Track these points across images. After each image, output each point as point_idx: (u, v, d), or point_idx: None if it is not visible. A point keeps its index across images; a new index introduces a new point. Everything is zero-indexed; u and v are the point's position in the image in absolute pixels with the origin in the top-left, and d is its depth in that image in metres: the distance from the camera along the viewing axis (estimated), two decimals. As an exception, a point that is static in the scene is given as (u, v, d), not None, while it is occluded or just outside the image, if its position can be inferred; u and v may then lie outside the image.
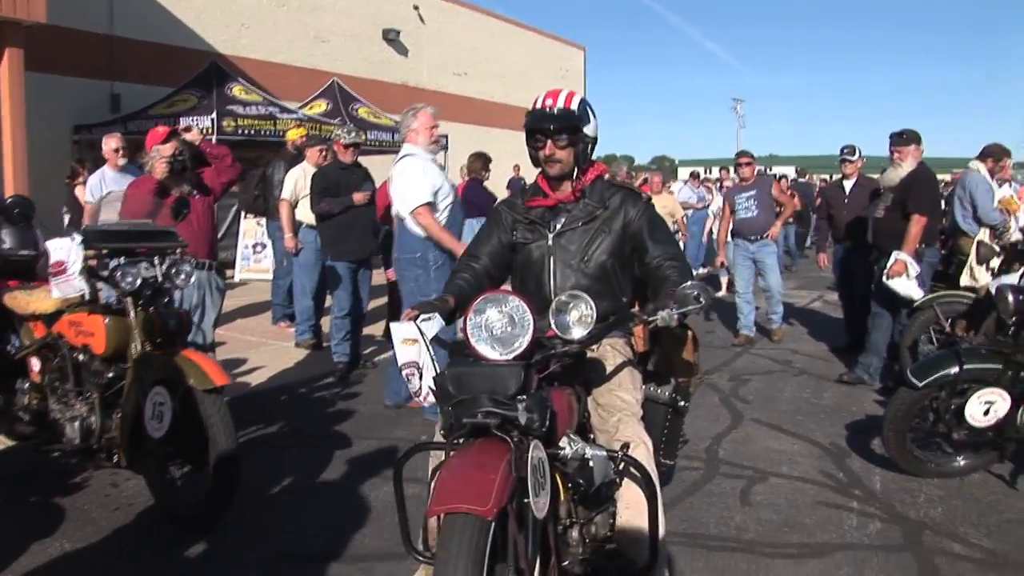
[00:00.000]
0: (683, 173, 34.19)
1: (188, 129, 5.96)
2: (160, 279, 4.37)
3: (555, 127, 3.14)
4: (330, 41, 18.99)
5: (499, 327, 2.54)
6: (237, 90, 14.00)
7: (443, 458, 2.50)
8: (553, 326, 2.61)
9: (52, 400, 4.74)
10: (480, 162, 10.04)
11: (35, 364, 4.92)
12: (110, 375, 4.41)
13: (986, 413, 4.57)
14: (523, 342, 2.51)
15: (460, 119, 21.47)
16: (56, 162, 11.55)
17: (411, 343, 2.73)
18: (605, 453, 2.73)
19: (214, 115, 12.86)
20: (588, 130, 3.21)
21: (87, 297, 4.63)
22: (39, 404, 4.86)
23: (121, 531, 4.18)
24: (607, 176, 3.39)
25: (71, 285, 4.42)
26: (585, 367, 3.12)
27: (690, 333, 3.59)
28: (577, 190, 3.26)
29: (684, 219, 12.35)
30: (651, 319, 2.72)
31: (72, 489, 4.73)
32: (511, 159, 19.77)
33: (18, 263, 5.39)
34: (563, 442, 2.70)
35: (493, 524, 2.22)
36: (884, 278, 6.56)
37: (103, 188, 7.15)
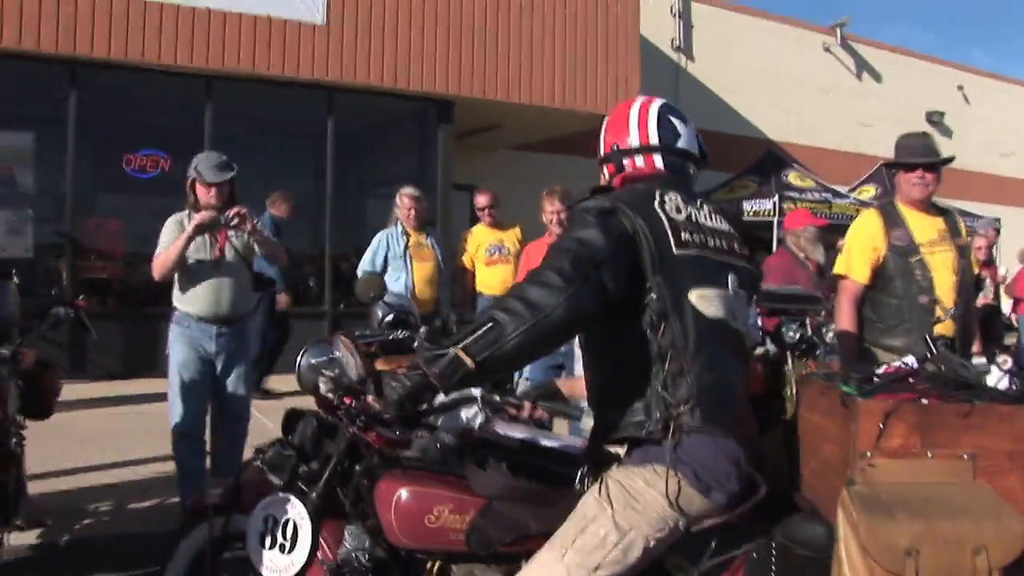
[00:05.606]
0: None
1: None
2: (811, 336, 5.40)
3: None
4: (874, 125, 19.47)
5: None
6: (792, 176, 15.21)
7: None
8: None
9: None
10: None
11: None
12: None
13: None
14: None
15: (1008, 201, 20.64)
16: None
17: None
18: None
19: (775, 199, 14.11)
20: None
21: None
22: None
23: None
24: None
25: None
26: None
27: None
28: None
29: None
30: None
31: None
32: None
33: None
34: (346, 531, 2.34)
35: None
36: None
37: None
